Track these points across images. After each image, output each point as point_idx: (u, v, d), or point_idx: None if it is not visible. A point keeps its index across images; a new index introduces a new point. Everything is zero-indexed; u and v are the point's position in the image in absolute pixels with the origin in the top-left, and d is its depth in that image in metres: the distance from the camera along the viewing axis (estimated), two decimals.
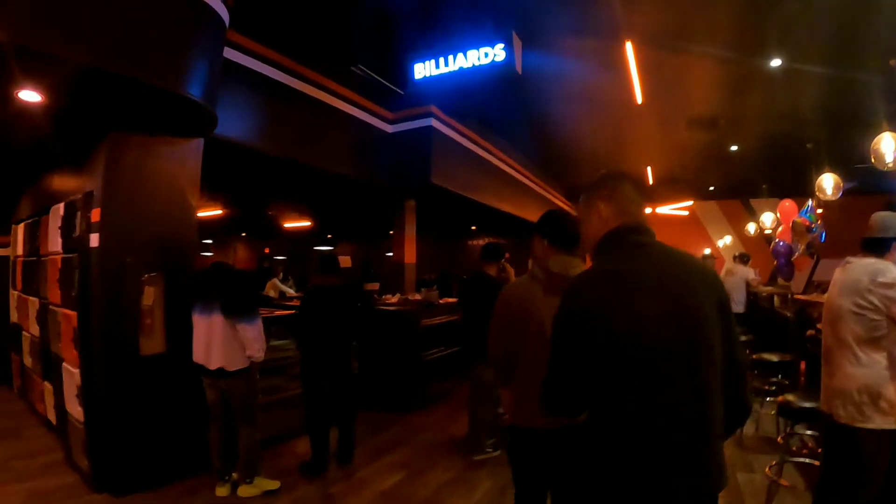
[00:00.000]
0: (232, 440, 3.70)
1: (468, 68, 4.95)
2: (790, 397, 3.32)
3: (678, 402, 1.26)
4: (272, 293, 9.15)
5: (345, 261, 9.97)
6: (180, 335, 3.82)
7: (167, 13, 3.30)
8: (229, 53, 4.74)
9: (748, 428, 5.00)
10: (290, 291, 9.07)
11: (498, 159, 9.28)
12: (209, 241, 15.72)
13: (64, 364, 3.98)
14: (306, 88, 5.69)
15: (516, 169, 10.32)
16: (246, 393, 3.65)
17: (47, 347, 4.48)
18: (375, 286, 8.24)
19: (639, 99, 6.77)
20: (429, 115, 6.90)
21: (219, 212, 10.47)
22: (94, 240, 3.62)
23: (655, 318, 1.27)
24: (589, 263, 1.54)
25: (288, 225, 13.12)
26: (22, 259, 5.57)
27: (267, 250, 16.62)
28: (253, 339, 3.54)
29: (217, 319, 3.53)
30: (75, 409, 3.81)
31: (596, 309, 1.29)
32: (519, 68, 4.71)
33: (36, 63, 2.87)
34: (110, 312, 3.62)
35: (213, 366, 3.55)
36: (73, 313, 3.79)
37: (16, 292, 5.80)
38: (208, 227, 12.96)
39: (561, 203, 14.69)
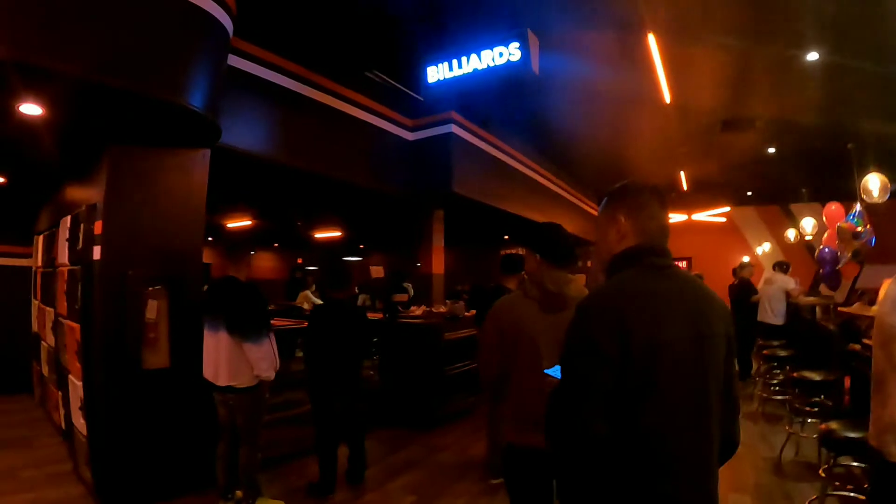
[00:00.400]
0: (237, 458, 3.58)
1: (483, 70, 4.73)
2: (834, 425, 2.99)
3: (691, 432, 1.25)
4: (305, 305, 9.17)
5: (376, 271, 9.97)
6: (185, 350, 3.75)
7: (165, 23, 3.25)
8: (242, 64, 4.73)
9: (787, 452, 4.63)
10: (318, 301, 9.04)
11: (524, 166, 9.03)
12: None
13: (69, 376, 3.95)
14: (320, 96, 5.59)
15: (543, 175, 10.02)
16: (251, 412, 3.53)
17: (59, 358, 4.47)
18: (404, 297, 8.13)
19: (667, 97, 6.42)
20: (449, 121, 6.74)
21: (248, 223, 10.55)
22: (97, 252, 3.56)
23: (677, 343, 1.24)
24: (582, 279, 1.36)
25: (319, 236, 13.13)
26: (41, 270, 5.63)
27: (300, 261, 16.75)
28: (259, 359, 3.41)
29: (223, 337, 3.44)
30: (79, 422, 3.76)
31: (615, 328, 1.22)
32: (536, 68, 4.47)
33: (35, 77, 2.86)
34: (112, 325, 3.55)
35: (220, 382, 3.47)
36: (76, 325, 3.74)
37: (36, 302, 5.87)
38: (236, 237, 13.17)
39: (593, 211, 14.29)
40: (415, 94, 6.90)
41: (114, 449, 3.55)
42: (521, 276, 4.22)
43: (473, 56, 4.75)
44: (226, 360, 3.43)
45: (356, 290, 11.52)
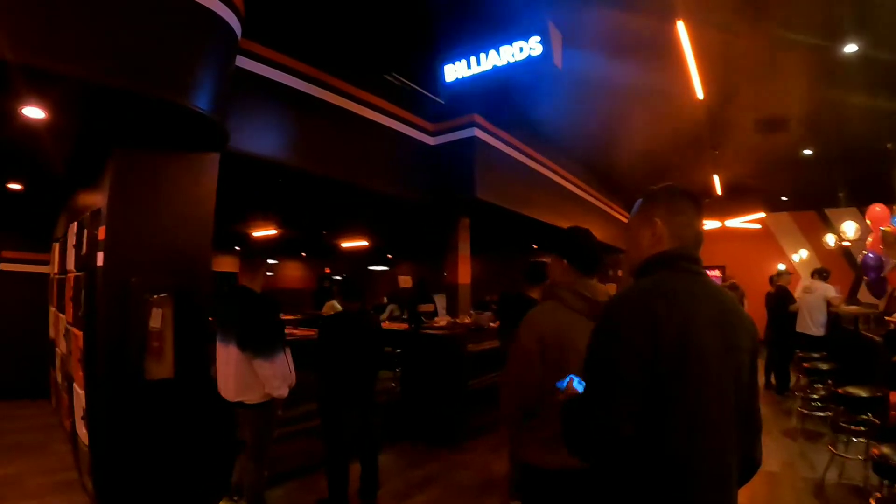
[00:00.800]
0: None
1: (503, 66, 4.47)
2: (886, 450, 2.72)
3: (715, 443, 1.21)
4: (329, 313, 9.06)
5: (405, 281, 9.83)
6: (191, 360, 3.63)
7: (169, 23, 3.15)
8: (257, 67, 4.63)
9: (830, 474, 4.29)
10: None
11: (551, 171, 8.69)
12: (273, 262, 16.27)
13: (74, 384, 3.87)
14: (337, 100, 5.44)
15: (570, 180, 9.65)
16: (260, 429, 3.39)
17: (67, 365, 4.42)
18: (430, 307, 7.95)
19: (699, 92, 6.06)
20: (472, 124, 6.54)
21: (272, 232, 10.53)
22: (100, 258, 3.47)
23: (707, 350, 1.21)
24: (613, 288, 1.18)
25: (345, 245, 13.05)
26: (56, 276, 5.63)
27: (328, 270, 16.76)
28: (270, 377, 3.28)
29: (233, 351, 3.33)
30: (82, 431, 3.67)
31: (648, 326, 1.18)
32: (559, 62, 4.21)
33: (36, 79, 2.79)
34: (114, 334, 3.43)
35: (230, 397, 3.37)
36: (80, 333, 3.66)
37: (52, 309, 5.89)
38: (263, 246, 13.21)
39: (623, 218, 13.89)
40: (435, 98, 6.73)
41: (115, 460, 3.42)
42: (545, 285, 4.01)
43: (492, 52, 4.50)
44: (235, 374, 3.32)
45: (385, 300, 11.39)
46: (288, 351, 3.48)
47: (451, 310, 7.23)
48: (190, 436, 3.64)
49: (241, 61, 4.44)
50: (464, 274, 7.39)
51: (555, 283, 2.07)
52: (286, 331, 3.95)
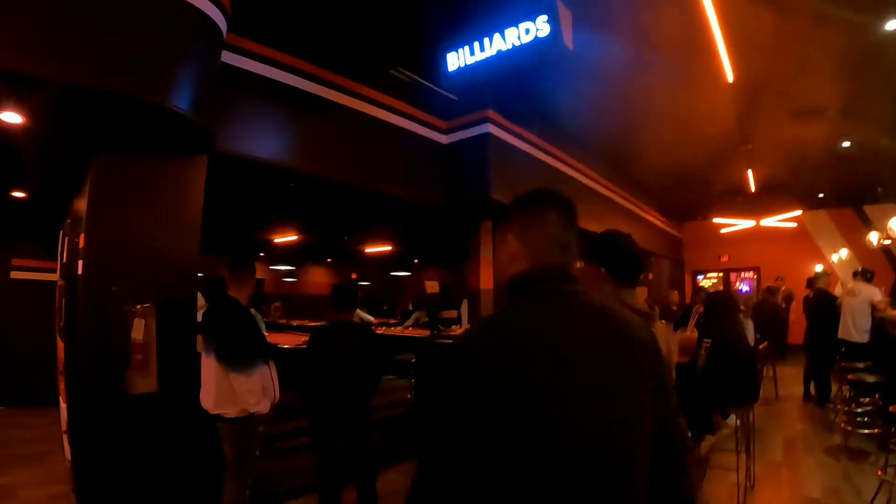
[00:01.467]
0: None
1: (508, 50, 4.08)
2: None
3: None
4: (354, 320, 8.92)
5: (431, 286, 9.61)
6: (177, 374, 3.46)
7: (146, 21, 3.01)
8: (261, 68, 4.46)
9: (880, 500, 3.84)
10: (370, 318, 8.88)
11: (571, 167, 8.29)
12: (291, 268, 16.29)
13: (60, 397, 3.74)
14: (342, 98, 5.24)
15: (594, 179, 9.22)
16: (238, 445, 3.21)
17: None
18: (454, 314, 7.69)
19: (729, 75, 5.58)
20: (485, 120, 6.24)
21: (294, 238, 10.46)
22: (80, 266, 3.33)
23: (570, 397, 0.95)
24: (644, 293, 0.92)
25: (369, 250, 12.91)
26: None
27: (354, 276, 16.69)
28: (246, 392, 3.12)
29: (212, 362, 3.18)
30: (65, 446, 3.53)
31: (492, 379, 0.94)
32: (569, 42, 3.81)
33: (9, 82, 2.70)
34: (95, 345, 3.29)
35: (210, 409, 3.20)
36: (62, 344, 3.53)
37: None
38: (287, 252, 13.18)
39: (658, 222, 13.36)
40: (447, 94, 6.45)
41: (97, 477, 3.27)
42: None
43: (497, 36, 4.12)
44: (213, 385, 3.17)
45: (410, 307, 11.20)
46: (272, 365, 3.28)
47: (474, 317, 6.91)
48: (175, 452, 3.46)
49: (245, 62, 4.31)
50: (486, 279, 7.03)
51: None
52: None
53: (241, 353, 3.15)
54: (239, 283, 3.35)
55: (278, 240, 10.76)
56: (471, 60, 4.39)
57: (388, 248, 12.47)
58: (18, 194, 5.29)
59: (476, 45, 4.33)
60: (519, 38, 4.03)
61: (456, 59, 4.48)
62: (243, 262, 3.44)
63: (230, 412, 3.13)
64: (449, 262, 14.68)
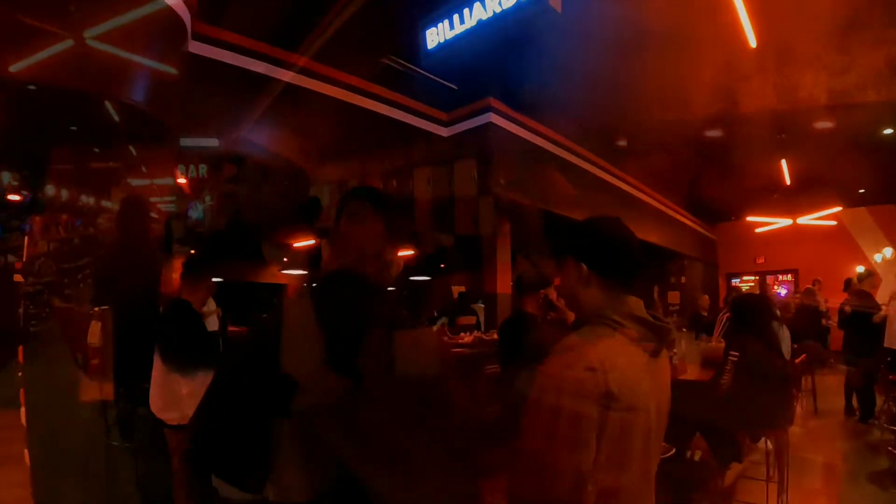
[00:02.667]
0: None
1: (489, 19, 3.67)
2: None
3: None
4: None
5: (459, 290, 9.33)
6: (134, 380, 3.27)
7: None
8: (258, 66, 4.29)
9: None
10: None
11: (582, 158, 7.78)
12: (305, 273, 16.19)
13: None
14: (337, 92, 4.96)
15: (608, 170, 8.61)
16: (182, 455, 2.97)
17: None
18: (472, 320, 7.39)
19: (752, 40, 4.86)
20: (486, 109, 5.92)
21: (311, 242, 10.31)
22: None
23: None
24: None
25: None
26: None
27: None
28: (187, 395, 2.90)
29: (157, 361, 3.03)
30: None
31: None
32: (556, 5, 3.37)
33: None
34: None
35: (156, 412, 3.04)
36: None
37: None
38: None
39: (688, 221, 12.61)
40: (449, 84, 6.08)
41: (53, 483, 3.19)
42: (543, 295, 3.30)
43: (477, 4, 3.72)
44: (156, 386, 3.04)
45: (435, 313, 10.91)
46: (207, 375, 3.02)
47: (490, 323, 6.57)
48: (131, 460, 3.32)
49: (247, 63, 4.17)
50: (502, 283, 6.72)
51: (563, 293, 1.55)
52: None
53: (184, 354, 2.99)
54: (193, 286, 3.18)
55: (298, 244, 10.69)
56: (450, 35, 4.02)
57: (410, 252, 12.23)
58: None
59: (456, 17, 3.95)
60: (500, 3, 3.62)
61: (435, 35, 4.11)
62: (197, 266, 3.25)
63: (173, 418, 2.96)
64: (468, 265, 14.40)
